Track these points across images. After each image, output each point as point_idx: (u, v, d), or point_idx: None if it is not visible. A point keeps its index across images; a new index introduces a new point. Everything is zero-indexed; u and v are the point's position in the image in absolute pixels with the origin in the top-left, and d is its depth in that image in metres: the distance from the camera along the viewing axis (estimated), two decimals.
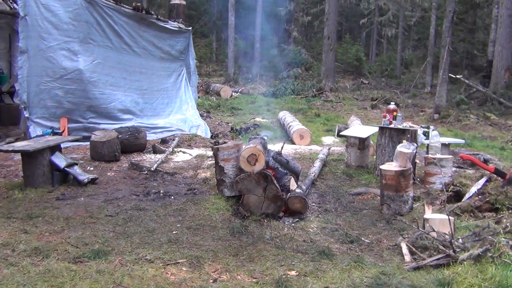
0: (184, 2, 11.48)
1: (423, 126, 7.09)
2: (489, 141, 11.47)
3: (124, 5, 9.46)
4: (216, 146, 5.70)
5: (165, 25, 10.64)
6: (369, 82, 24.61)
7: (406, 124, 7.03)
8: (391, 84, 24.23)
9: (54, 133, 8.02)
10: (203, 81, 19.36)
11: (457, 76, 17.99)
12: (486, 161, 8.16)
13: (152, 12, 10.37)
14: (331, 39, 20.36)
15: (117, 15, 9.21)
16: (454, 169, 7.62)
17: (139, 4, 9.48)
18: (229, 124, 11.60)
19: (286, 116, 11.58)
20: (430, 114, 14.86)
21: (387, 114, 6.98)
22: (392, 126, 6.85)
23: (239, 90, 19.18)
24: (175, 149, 8.20)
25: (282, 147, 5.92)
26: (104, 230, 4.67)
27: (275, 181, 5.27)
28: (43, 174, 5.86)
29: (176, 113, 10.82)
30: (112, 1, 9.11)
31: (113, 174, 6.72)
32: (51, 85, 8.27)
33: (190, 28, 11.61)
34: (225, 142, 5.88)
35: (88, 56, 8.66)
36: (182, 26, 11.27)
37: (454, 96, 16.74)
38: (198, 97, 15.47)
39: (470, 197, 5.68)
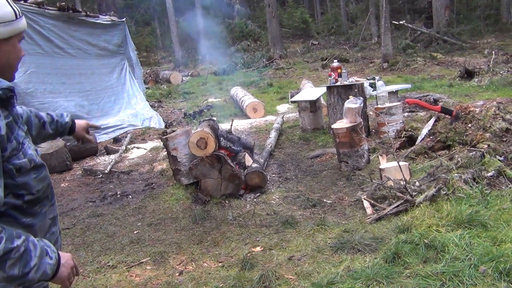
0: None
1: (368, 78, 7.12)
2: (438, 80, 11.71)
3: (47, 7, 8.99)
4: (165, 137, 5.55)
5: (96, 21, 10.19)
6: (318, 43, 24.61)
7: (352, 79, 7.04)
8: (340, 41, 24.29)
9: None
10: (152, 71, 18.88)
11: (400, 22, 18.19)
12: (436, 101, 8.33)
13: (80, 10, 9.91)
14: (272, 6, 20.14)
15: (42, 19, 8.73)
16: (406, 114, 7.75)
17: (63, 3, 9.01)
18: (182, 110, 11.39)
19: (237, 91, 11.44)
20: (380, 64, 15.02)
21: (332, 73, 6.97)
22: (338, 83, 6.85)
23: (189, 74, 18.83)
24: (129, 146, 7.98)
25: (231, 125, 5.83)
26: (65, 243, 4.51)
27: (229, 161, 5.20)
28: None
29: (125, 109, 10.49)
30: (34, 5, 8.63)
31: (67, 184, 6.49)
32: None
33: (124, 19, 11.17)
34: (173, 131, 5.73)
35: (19, 67, 8.21)
36: (114, 18, 10.84)
37: (400, 42, 16.94)
38: (148, 88, 15.11)
39: (422, 139, 5.78)
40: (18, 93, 7.98)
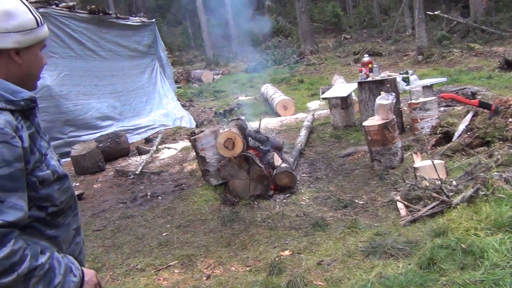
0: None
1: (401, 72, 6.87)
2: (476, 72, 11.23)
3: (78, 11, 9.15)
4: (193, 137, 5.53)
5: (126, 22, 10.32)
6: (351, 37, 24.16)
7: (384, 74, 6.82)
8: (373, 34, 23.76)
9: None
10: (183, 70, 19.03)
11: (435, 12, 17.60)
12: (474, 94, 7.98)
13: (110, 12, 10.05)
14: (302, 1, 19.90)
15: (74, 23, 8.90)
16: (442, 108, 7.45)
17: (93, 6, 9.15)
18: (213, 109, 11.39)
19: (268, 89, 11.35)
20: (414, 57, 14.57)
21: (362, 68, 6.77)
22: (369, 79, 6.65)
23: (220, 72, 18.86)
24: (160, 147, 8.03)
25: (259, 124, 5.74)
26: (93, 246, 4.55)
27: (257, 161, 5.12)
28: None
29: (157, 109, 10.59)
30: (65, 9, 8.80)
31: (99, 185, 6.58)
32: None
33: (154, 20, 11.27)
34: (201, 131, 5.70)
35: (53, 70, 8.39)
36: (144, 19, 10.95)
37: (435, 33, 16.38)
38: (180, 87, 15.23)
39: (459, 135, 5.53)
40: (51, 96, 8.21)
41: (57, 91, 8.37)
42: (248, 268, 3.69)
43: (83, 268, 1.52)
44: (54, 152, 1.53)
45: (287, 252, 3.86)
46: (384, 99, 5.55)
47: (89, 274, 1.53)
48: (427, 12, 16.74)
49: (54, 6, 8.54)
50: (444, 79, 7.62)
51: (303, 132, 7.14)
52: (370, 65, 6.71)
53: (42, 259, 1.33)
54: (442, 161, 4.70)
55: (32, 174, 1.36)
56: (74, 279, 1.43)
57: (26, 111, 1.39)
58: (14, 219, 1.26)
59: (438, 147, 5.62)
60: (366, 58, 6.86)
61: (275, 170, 5.29)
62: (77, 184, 6.79)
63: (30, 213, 1.34)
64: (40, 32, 1.47)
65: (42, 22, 1.48)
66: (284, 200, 5.06)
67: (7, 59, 1.40)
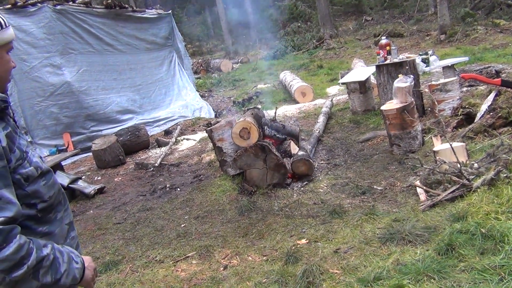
0: None
1: (420, 53, 6.67)
2: (501, 49, 10.83)
3: (95, 6, 9.23)
4: (209, 128, 5.53)
5: (143, 15, 10.37)
6: (372, 18, 23.65)
7: (403, 56, 6.64)
8: (394, 15, 23.20)
9: (59, 151, 8.04)
10: (203, 60, 19.05)
11: None
12: (498, 73, 7.70)
13: (127, 6, 10.10)
14: None
15: (91, 18, 9.00)
16: (464, 89, 7.23)
17: (109, 1, 9.21)
18: (231, 99, 11.37)
19: (286, 75, 11.24)
20: (436, 37, 14.16)
21: (380, 51, 6.61)
22: (387, 61, 6.49)
23: (239, 60, 18.80)
24: (179, 138, 8.08)
25: (275, 112, 5.69)
26: (113, 239, 4.63)
27: (273, 150, 5.08)
28: None
29: (176, 100, 10.65)
30: (82, 5, 8.89)
31: (120, 178, 6.67)
32: (44, 104, 8.24)
33: (170, 11, 11.27)
34: (217, 122, 5.69)
35: (72, 66, 8.53)
36: (161, 11, 10.97)
37: (458, 11, 15.88)
38: (199, 78, 15.25)
39: (482, 116, 5.34)
40: (72, 92, 8.34)
41: (77, 87, 8.52)
42: (264, 258, 3.68)
43: (80, 255, 1.59)
44: (34, 149, 1.56)
45: (303, 241, 3.83)
46: (402, 81, 5.41)
47: (88, 260, 1.60)
48: None
49: (70, 3, 8.62)
50: (465, 59, 7.37)
51: (321, 119, 7.05)
52: (388, 47, 6.54)
53: (46, 250, 1.39)
54: (463, 144, 4.56)
55: (15, 172, 1.39)
56: (77, 266, 1.50)
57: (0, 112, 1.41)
58: (13, 214, 1.30)
59: (459, 129, 5.46)
60: (383, 40, 6.68)
61: (291, 158, 5.25)
62: (99, 178, 6.91)
63: (22, 211, 1.37)
64: (4, 35, 1.47)
65: (7, 25, 1.49)
66: (302, 188, 5.02)
67: None
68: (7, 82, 1.54)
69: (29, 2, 8.08)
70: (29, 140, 8.22)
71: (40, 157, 1.55)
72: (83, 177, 6.54)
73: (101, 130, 8.71)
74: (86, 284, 1.57)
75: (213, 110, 10.42)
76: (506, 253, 2.71)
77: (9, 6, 7.99)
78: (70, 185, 5.96)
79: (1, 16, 1.49)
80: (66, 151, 7.89)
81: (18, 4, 7.99)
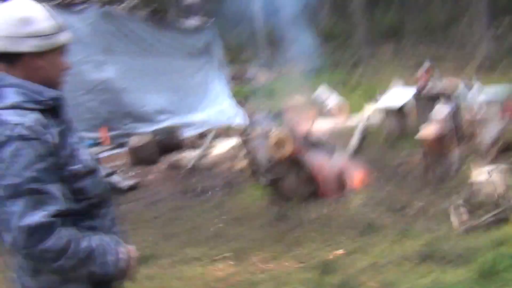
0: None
1: (464, 80, 6.60)
2: None
3: (139, 12, 9.53)
4: (245, 136, 5.60)
5: (185, 23, 10.64)
6: (413, 41, 23.39)
7: (445, 81, 6.58)
8: (437, 38, 22.87)
9: (95, 144, 8.25)
10: (240, 69, 19.22)
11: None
12: None
13: (169, 13, 10.39)
14: (361, 5, 19.54)
15: (134, 22, 9.31)
16: (507, 119, 7.07)
17: (154, 6, 9.51)
18: (267, 109, 11.44)
19: (323, 91, 11.24)
20: (481, 64, 13.89)
21: (421, 77, 6.56)
22: (427, 89, 6.43)
23: (276, 73, 18.87)
24: (212, 142, 8.18)
25: (311, 126, 5.72)
26: (152, 233, 4.72)
27: (307, 163, 5.10)
28: None
29: (212, 105, 10.80)
30: (126, 11, 9.20)
31: (153, 176, 6.81)
32: (86, 98, 8.49)
33: (212, 20, 11.51)
34: (254, 130, 5.75)
35: (114, 64, 8.79)
36: (203, 20, 11.22)
37: (506, 39, 15.52)
38: (236, 86, 15.40)
39: None
40: (113, 89, 8.58)
41: (118, 84, 8.77)
42: (301, 265, 3.69)
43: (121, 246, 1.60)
44: (85, 147, 1.62)
45: (340, 251, 3.82)
46: (443, 107, 5.36)
47: (132, 250, 1.63)
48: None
49: (116, 6, 8.95)
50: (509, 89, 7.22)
51: (356, 137, 7.03)
52: (429, 73, 6.49)
53: (93, 241, 1.44)
54: (500, 175, 4.48)
55: (64, 168, 1.44)
56: (120, 256, 1.53)
57: (55, 109, 1.48)
58: (57, 208, 1.36)
59: (499, 159, 5.36)
60: (425, 65, 6.63)
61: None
62: (132, 173, 7.06)
63: (66, 206, 1.42)
64: (60, 38, 1.51)
65: (64, 28, 1.52)
66: (333, 203, 5.01)
67: (25, 63, 1.46)
68: (59, 85, 1.58)
69: (76, 0, 8.40)
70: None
71: (90, 155, 1.60)
72: (118, 171, 6.70)
73: (137, 128, 8.90)
74: (122, 275, 1.58)
75: (248, 118, 10.51)
76: None
77: (57, 2, 8.30)
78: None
79: (58, 19, 1.52)
80: (101, 145, 8.10)
81: (66, 1, 8.31)
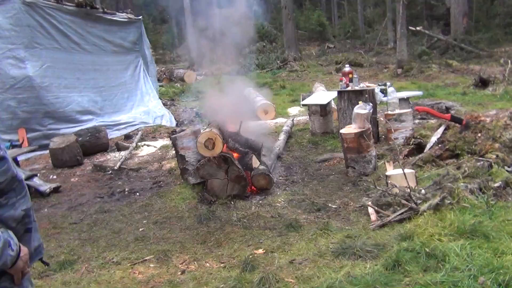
0: None
1: (380, 84, 7.10)
2: (452, 88, 11.61)
3: (66, 3, 9.13)
4: (174, 136, 5.61)
5: (113, 18, 10.33)
6: (334, 46, 24.54)
7: (363, 85, 7.03)
8: (356, 45, 24.20)
9: (13, 146, 7.81)
10: (166, 69, 19.01)
11: (417, 28, 18.06)
12: (448, 109, 8.27)
13: (98, 6, 10.05)
14: (288, 9, 20.18)
15: (60, 15, 8.87)
16: (417, 121, 7.71)
17: (81, 0, 9.14)
18: (194, 109, 11.45)
19: (250, 92, 11.46)
20: (394, 70, 14.93)
21: (343, 78, 6.97)
22: (349, 88, 6.84)
23: (204, 73, 18.89)
24: (139, 143, 8.07)
25: (240, 126, 5.86)
26: (69, 239, 4.59)
27: (236, 162, 5.24)
28: None
29: (138, 106, 10.61)
30: (53, 1, 8.77)
31: (76, 179, 6.58)
32: (2, 97, 8.00)
33: (140, 17, 11.30)
34: (182, 130, 5.79)
35: (36, 61, 8.35)
36: (131, 16, 10.97)
37: (416, 48, 16.83)
38: (162, 86, 15.22)
39: (431, 147, 5.75)
40: (33, 87, 8.17)
41: (38, 82, 8.33)
42: (222, 265, 3.79)
43: (20, 244, 1.61)
44: None
45: (260, 251, 3.98)
46: (362, 108, 5.74)
47: (24, 251, 1.63)
48: (410, 28, 17.16)
49: None
50: (420, 93, 7.90)
51: (282, 137, 7.29)
52: (350, 75, 6.91)
53: None
54: (413, 171, 4.90)
55: None
56: (11, 253, 1.54)
57: None
58: None
59: (410, 157, 5.84)
60: (347, 68, 7.06)
61: (252, 172, 5.42)
62: (54, 177, 6.79)
63: None
64: None
65: None
66: (260, 201, 5.18)
67: None
68: None
69: None
70: None
71: None
72: (38, 174, 6.40)
73: (59, 129, 8.52)
74: (15, 272, 1.60)
75: (175, 119, 10.46)
76: (447, 271, 2.98)
77: None
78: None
79: None
80: (20, 147, 7.68)
81: None
